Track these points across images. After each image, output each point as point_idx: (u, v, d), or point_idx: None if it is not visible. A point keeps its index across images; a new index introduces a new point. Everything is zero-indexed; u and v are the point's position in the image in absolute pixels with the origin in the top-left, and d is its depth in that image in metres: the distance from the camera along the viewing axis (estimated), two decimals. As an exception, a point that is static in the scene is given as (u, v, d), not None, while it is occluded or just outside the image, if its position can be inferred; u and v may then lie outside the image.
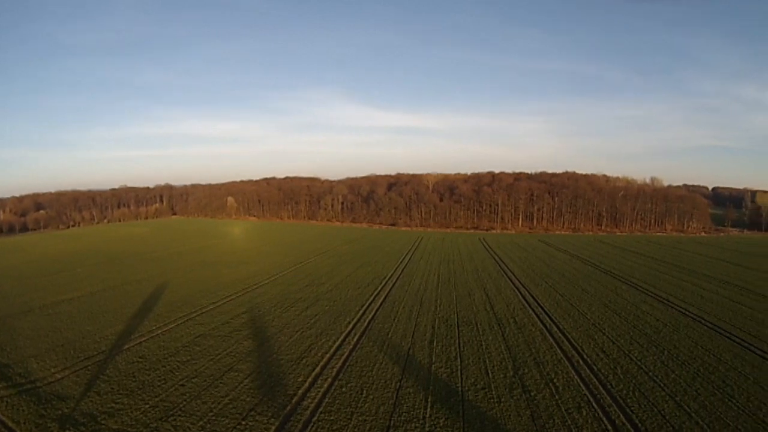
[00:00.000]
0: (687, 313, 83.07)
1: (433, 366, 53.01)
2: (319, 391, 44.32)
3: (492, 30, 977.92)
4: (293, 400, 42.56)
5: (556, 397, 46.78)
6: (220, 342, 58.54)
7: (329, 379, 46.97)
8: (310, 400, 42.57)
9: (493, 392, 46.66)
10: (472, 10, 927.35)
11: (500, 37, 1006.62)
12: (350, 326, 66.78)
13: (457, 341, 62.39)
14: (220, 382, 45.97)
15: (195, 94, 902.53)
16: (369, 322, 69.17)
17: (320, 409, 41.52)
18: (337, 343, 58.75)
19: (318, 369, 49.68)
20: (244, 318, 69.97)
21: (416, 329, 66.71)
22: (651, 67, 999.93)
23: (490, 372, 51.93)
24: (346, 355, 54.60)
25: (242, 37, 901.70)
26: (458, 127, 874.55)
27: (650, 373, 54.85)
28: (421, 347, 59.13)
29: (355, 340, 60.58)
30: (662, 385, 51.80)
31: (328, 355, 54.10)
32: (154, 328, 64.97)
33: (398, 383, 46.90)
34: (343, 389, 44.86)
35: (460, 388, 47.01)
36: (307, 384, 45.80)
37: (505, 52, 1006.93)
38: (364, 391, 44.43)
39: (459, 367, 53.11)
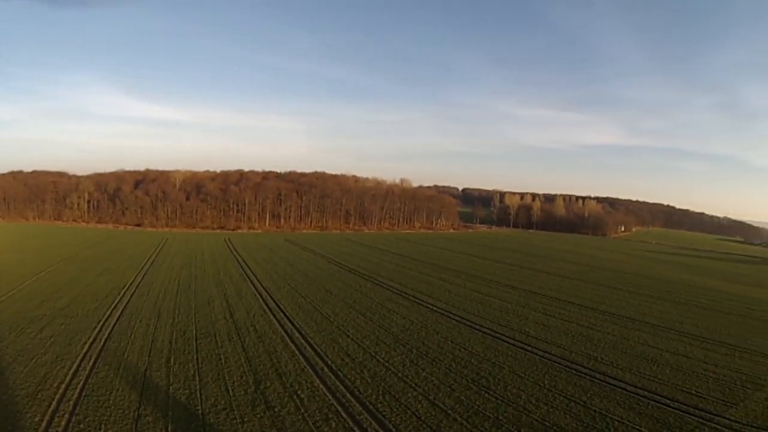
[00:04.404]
0: (434, 308, 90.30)
1: (171, 388, 50.30)
2: (57, 431, 40.98)
3: (256, 27, 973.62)
4: (32, 445, 38.66)
5: (302, 410, 46.32)
6: (-44, 381, 50.77)
7: (66, 415, 43.26)
8: (48, 444, 38.92)
9: (235, 412, 45.40)
10: (241, 7, 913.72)
11: (264, 34, 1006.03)
12: (86, 348, 62.31)
13: (195, 357, 60.54)
14: (-42, 434, 40.17)
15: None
16: (105, 341, 65.22)
17: (60, 453, 38.21)
18: (73, 370, 54.28)
19: (54, 404, 45.38)
20: (-21, 347, 61.44)
21: (153, 346, 64.20)
22: (413, 77, 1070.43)
23: (230, 389, 50.74)
24: (82, 383, 50.57)
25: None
26: (212, 123, 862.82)
27: (400, 374, 56.97)
28: (158, 367, 56.47)
29: (91, 364, 56.49)
30: (414, 385, 54.07)
31: (64, 386, 49.69)
32: None
33: (137, 412, 44.28)
34: (81, 426, 41.67)
35: (200, 411, 44.99)
36: (44, 424, 41.80)
37: (266, 50, 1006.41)
38: (102, 426, 41.64)
39: (198, 386, 51.16)
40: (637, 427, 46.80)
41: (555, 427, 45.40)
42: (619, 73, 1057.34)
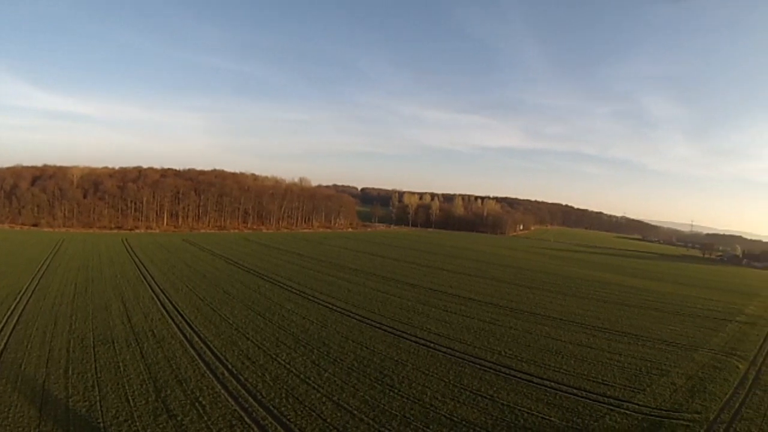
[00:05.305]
0: (334, 308, 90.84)
1: (70, 401, 48.11)
2: (-43, 456, 38.27)
3: (163, 19, 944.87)
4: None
5: (205, 418, 45.46)
6: None
7: (-34, 438, 40.43)
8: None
9: (137, 423, 43.95)
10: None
11: (171, 27, 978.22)
12: (-17, 361, 58.43)
13: (93, 366, 58.21)
14: None
15: None
16: (2, 352, 62.21)
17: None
18: (-27, 386, 50.84)
19: (-43, 427, 42.38)
20: None
21: (50, 355, 61.51)
22: (318, 76, 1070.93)
23: (131, 399, 49.13)
24: (-20, 401, 47.44)
25: None
26: (113, 117, 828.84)
27: (302, 376, 56.96)
28: (56, 378, 53.98)
29: (-12, 378, 52.97)
30: (317, 386, 54.31)
31: (-38, 405, 46.29)
32: None
33: (37, 429, 42.42)
34: (-19, 449, 39.20)
35: (102, 424, 43.49)
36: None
37: (172, 43, 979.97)
38: (3, 449, 39.28)
39: (98, 397, 49.13)
40: (547, 417, 49.32)
41: (464, 422, 46.96)
42: (523, 80, 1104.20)
